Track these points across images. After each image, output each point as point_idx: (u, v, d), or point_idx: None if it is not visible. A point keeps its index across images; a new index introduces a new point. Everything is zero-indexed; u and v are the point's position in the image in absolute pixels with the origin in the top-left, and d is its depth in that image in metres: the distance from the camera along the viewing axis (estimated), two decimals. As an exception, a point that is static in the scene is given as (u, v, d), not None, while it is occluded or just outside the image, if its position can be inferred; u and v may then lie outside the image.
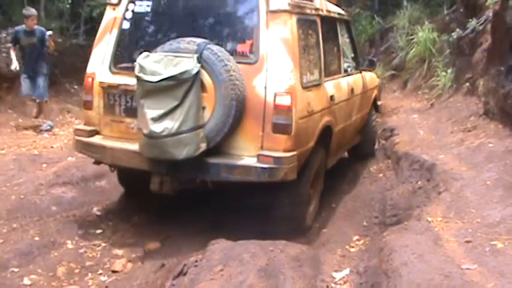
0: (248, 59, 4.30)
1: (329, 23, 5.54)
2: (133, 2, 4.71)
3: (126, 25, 4.71)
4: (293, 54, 4.28)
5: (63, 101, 11.14)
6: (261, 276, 3.22)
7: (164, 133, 3.96)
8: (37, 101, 9.07)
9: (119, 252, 4.40)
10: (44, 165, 6.31)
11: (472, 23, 7.52)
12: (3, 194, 5.19)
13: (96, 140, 4.64)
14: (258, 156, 4.14)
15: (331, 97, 5.12)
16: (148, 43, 4.57)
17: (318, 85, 4.80)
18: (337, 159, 6.00)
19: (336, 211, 5.34)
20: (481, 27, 7.26)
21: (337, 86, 5.43)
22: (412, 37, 10.55)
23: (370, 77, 7.12)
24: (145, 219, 5.25)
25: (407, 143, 6.44)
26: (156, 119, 3.98)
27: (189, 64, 4.00)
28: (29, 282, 3.80)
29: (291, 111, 4.17)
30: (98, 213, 5.18)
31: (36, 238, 4.50)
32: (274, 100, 4.15)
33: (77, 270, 4.08)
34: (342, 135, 5.66)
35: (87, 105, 4.74)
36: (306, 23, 4.70)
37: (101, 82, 4.61)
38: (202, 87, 4.08)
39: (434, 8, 12.30)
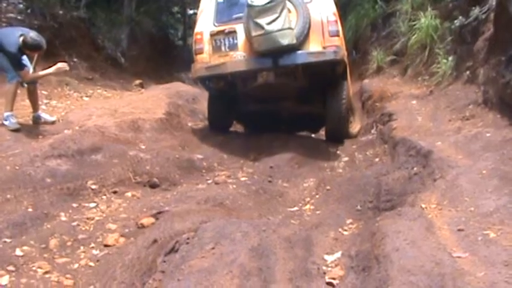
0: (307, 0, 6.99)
1: None
2: None
3: None
4: None
5: (62, 74, 11.03)
6: (252, 256, 3.23)
7: (275, 29, 6.40)
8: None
9: (112, 226, 4.40)
10: (40, 137, 6.30)
11: (475, 11, 7.45)
12: (-2, 164, 5.16)
13: (216, 61, 7.04)
14: (324, 47, 6.81)
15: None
16: (234, 8, 7.26)
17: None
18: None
19: (331, 194, 5.32)
20: (483, 16, 7.18)
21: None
22: (414, 23, 10.42)
23: None
24: (139, 194, 5.26)
25: (405, 129, 6.42)
26: (268, 23, 6.37)
27: None
28: (21, 253, 3.80)
29: (337, 23, 6.98)
30: (93, 186, 5.18)
31: (30, 209, 4.51)
32: (328, 18, 6.92)
33: (69, 243, 4.09)
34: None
35: (199, 51, 7.24)
36: None
37: (211, 31, 7.16)
38: (289, 10, 6.59)
39: (438, -6, 12.17)
